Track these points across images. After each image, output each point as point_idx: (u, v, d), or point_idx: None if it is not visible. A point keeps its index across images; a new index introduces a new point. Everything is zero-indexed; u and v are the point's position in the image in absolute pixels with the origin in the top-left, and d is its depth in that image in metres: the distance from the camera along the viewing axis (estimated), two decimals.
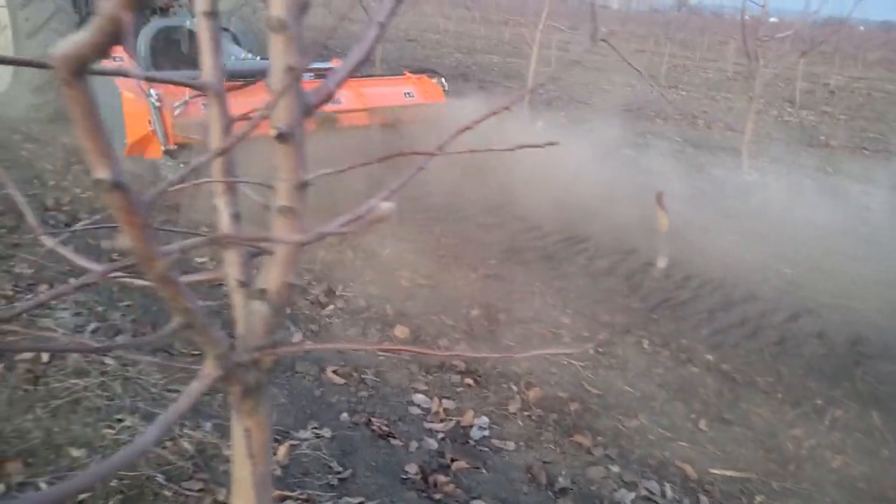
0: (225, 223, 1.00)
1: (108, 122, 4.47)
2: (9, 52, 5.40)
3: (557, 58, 12.53)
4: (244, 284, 0.99)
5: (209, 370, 0.90)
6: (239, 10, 6.01)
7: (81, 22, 5.44)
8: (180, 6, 5.91)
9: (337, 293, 3.16)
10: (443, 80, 5.42)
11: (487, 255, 3.76)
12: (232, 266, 1.00)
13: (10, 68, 5.41)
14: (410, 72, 5.39)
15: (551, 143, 0.82)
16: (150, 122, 3.85)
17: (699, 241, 4.10)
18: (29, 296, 2.73)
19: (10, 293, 2.70)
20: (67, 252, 0.98)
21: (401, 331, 2.87)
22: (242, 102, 4.50)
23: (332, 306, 3.04)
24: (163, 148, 3.90)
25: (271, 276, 0.99)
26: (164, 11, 5.83)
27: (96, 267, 0.93)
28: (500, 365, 2.73)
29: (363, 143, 4.37)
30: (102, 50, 0.54)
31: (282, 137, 0.91)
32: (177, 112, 3.90)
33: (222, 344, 0.87)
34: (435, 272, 3.47)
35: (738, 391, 2.78)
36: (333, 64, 5.14)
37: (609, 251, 4.02)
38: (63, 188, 4.19)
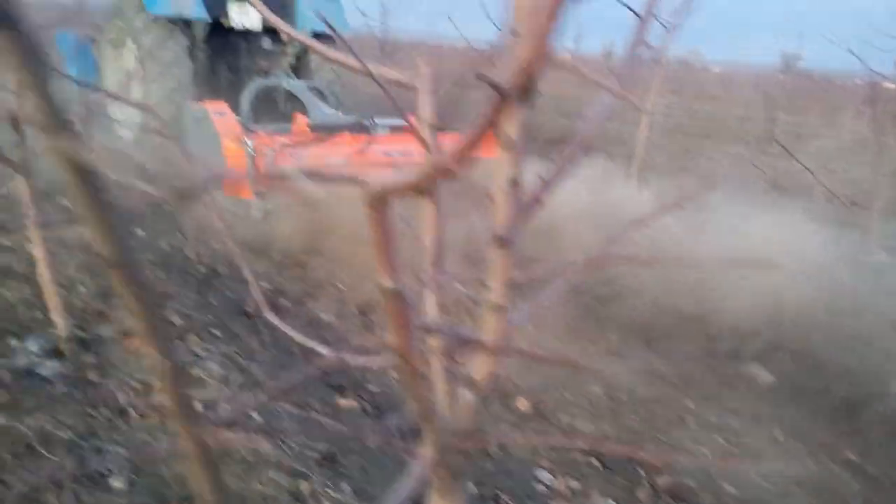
0: (432, 312, 1.08)
1: (210, 166, 5.06)
2: (138, 116, 6.20)
3: (661, 124, 12.42)
4: (450, 372, 1.06)
5: (427, 453, 0.96)
6: (334, 80, 6.89)
7: (199, 93, 6.16)
8: (279, 69, 6.72)
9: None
10: None
11: (605, 330, 3.72)
12: (436, 353, 1.07)
13: (138, 119, 6.16)
14: None
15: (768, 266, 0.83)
16: (244, 166, 4.31)
17: (826, 325, 3.87)
18: (178, 343, 2.97)
19: None
20: (295, 333, 1.09)
21: (522, 403, 2.88)
22: (328, 150, 4.86)
23: None
24: (254, 190, 4.30)
25: (479, 366, 1.06)
26: (264, 73, 6.58)
27: (327, 352, 1.03)
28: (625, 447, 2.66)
29: None
30: (416, 191, 0.62)
31: (501, 242, 0.98)
32: (267, 159, 4.43)
33: (443, 430, 0.94)
34: (552, 344, 3.47)
35: (888, 496, 2.56)
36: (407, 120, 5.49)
37: (730, 332, 3.86)
38: (203, 241, 4.55)
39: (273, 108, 6.35)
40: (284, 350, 3.01)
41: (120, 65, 6.84)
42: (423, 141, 1.04)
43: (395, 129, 5.40)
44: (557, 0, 0.47)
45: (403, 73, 1.00)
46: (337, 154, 4.81)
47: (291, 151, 4.63)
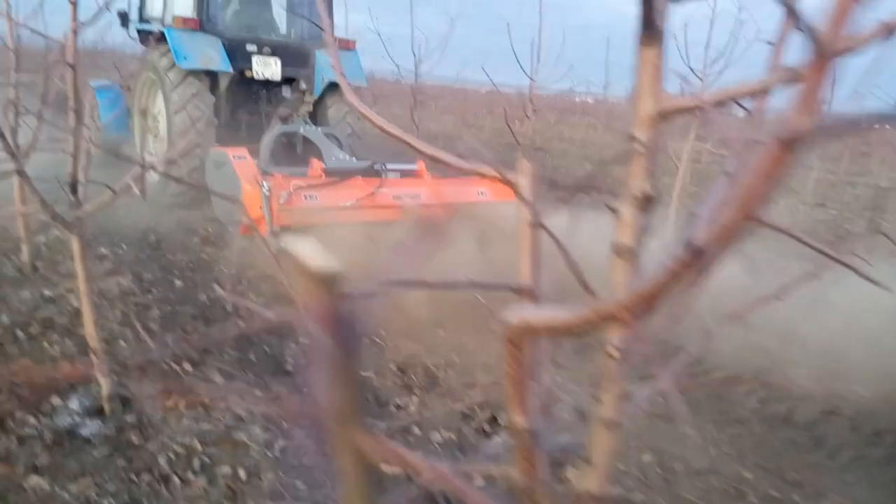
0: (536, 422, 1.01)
1: (229, 206, 5.25)
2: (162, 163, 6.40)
3: (693, 171, 12.35)
4: (549, 487, 0.99)
5: None
6: (344, 119, 7.13)
7: (221, 138, 6.39)
8: (298, 116, 7.03)
9: (501, 423, 3.12)
10: None
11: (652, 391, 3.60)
12: (541, 465, 1.01)
13: (163, 160, 6.33)
14: None
15: None
16: (260, 207, 4.54)
17: (884, 388, 3.70)
18: (221, 405, 2.92)
19: (207, 401, 2.89)
20: (395, 446, 1.03)
21: (573, 473, 2.76)
22: (342, 193, 4.93)
23: (498, 438, 3.00)
24: (269, 228, 4.55)
25: (590, 481, 0.99)
26: (284, 120, 6.92)
27: (430, 468, 0.97)
28: None
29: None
30: (568, 333, 0.56)
31: (613, 356, 0.93)
32: (282, 200, 4.64)
33: None
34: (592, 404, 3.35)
35: None
36: (418, 166, 5.61)
37: (782, 395, 3.72)
38: (240, 293, 4.54)
39: (291, 153, 6.63)
40: None
41: (149, 113, 7.12)
42: (525, 235, 1.00)
43: (405, 174, 5.60)
44: (778, 166, 0.43)
45: (510, 173, 0.96)
46: (349, 196, 4.97)
47: (306, 193, 4.82)
